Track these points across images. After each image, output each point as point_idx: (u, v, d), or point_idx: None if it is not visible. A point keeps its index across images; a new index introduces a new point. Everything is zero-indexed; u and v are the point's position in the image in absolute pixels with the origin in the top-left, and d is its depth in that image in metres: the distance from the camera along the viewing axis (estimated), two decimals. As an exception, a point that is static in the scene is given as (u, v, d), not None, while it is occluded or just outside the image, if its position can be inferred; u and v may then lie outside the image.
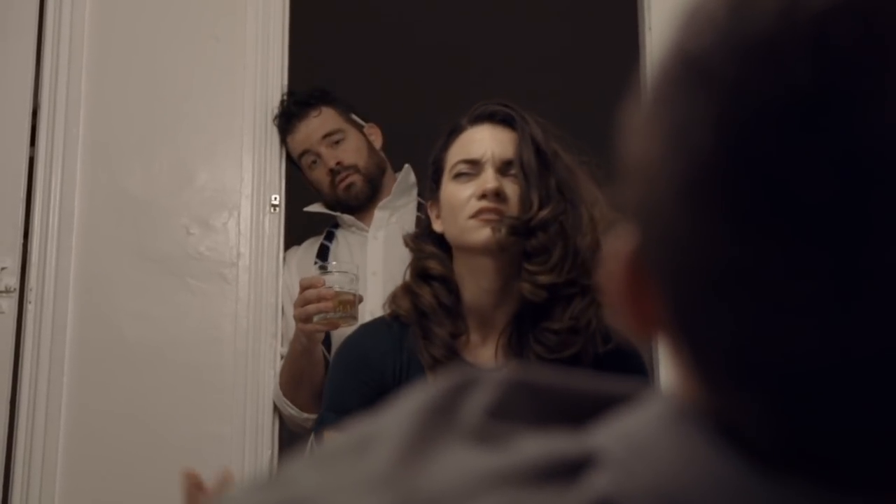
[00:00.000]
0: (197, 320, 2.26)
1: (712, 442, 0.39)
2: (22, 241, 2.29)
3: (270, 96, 2.38)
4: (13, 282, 2.26)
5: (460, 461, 0.41)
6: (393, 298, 1.64)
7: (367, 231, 2.29)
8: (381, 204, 2.30)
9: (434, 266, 1.60)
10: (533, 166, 1.55)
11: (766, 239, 0.36)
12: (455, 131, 1.63)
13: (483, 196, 1.54)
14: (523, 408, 0.44)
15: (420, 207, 2.21)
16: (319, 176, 2.33)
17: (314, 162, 2.32)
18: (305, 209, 2.38)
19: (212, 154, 2.37)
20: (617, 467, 0.40)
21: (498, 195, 1.54)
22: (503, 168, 1.57)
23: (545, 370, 0.46)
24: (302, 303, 1.91)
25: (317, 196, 2.39)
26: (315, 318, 1.91)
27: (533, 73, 3.73)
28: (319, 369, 2.10)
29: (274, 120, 2.34)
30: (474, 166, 1.57)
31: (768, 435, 0.38)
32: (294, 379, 2.13)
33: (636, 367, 1.61)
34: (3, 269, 2.26)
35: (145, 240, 2.31)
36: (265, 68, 2.39)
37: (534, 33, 3.63)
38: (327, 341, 2.18)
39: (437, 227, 1.62)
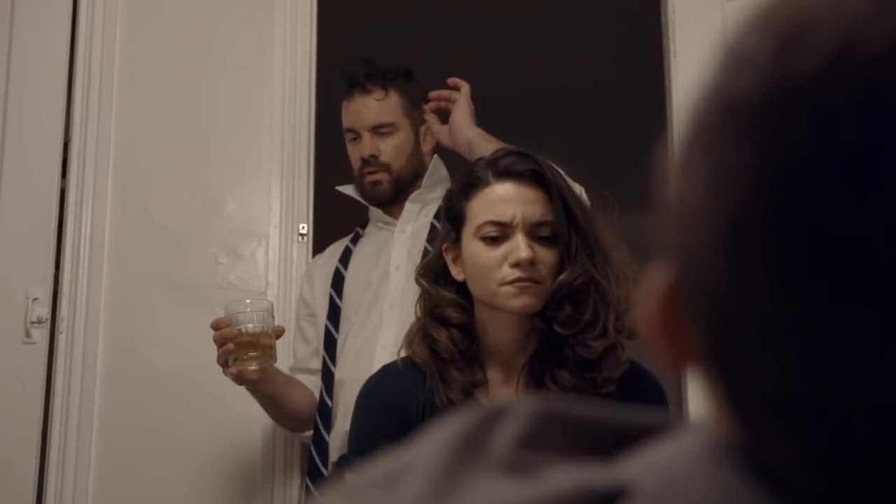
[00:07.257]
0: (226, 349, 2.26)
1: (744, 478, 0.39)
2: (53, 271, 2.31)
3: (298, 125, 2.40)
4: (45, 312, 2.28)
5: (491, 492, 0.41)
6: (409, 343, 1.61)
7: (394, 226, 2.22)
8: (411, 196, 2.22)
9: (453, 314, 1.58)
10: (565, 231, 1.54)
11: (806, 295, 0.35)
12: (477, 184, 1.58)
13: (516, 264, 1.52)
14: (553, 438, 0.44)
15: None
16: (354, 155, 2.24)
17: (355, 139, 2.24)
18: (337, 188, 2.29)
19: (240, 184, 2.38)
20: (648, 500, 0.40)
21: (531, 264, 1.52)
22: (532, 230, 1.54)
23: (574, 401, 0.45)
24: (218, 346, 1.89)
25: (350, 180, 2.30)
26: (229, 362, 1.88)
27: (557, 94, 3.74)
28: (283, 401, 2.06)
29: (342, 74, 2.25)
30: (503, 229, 1.54)
31: (802, 474, 0.38)
32: (271, 412, 2.11)
33: (655, 396, 1.59)
34: (34, 299, 2.28)
35: (174, 269, 2.32)
36: (293, 98, 2.41)
37: (561, 57, 3.64)
38: (330, 344, 2.14)
39: (458, 275, 1.59)
